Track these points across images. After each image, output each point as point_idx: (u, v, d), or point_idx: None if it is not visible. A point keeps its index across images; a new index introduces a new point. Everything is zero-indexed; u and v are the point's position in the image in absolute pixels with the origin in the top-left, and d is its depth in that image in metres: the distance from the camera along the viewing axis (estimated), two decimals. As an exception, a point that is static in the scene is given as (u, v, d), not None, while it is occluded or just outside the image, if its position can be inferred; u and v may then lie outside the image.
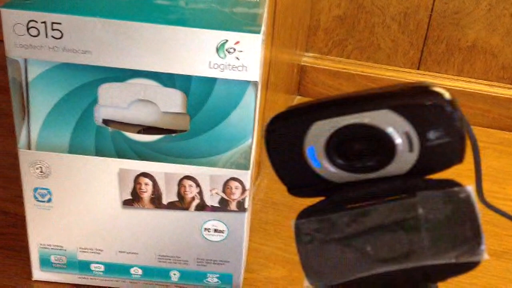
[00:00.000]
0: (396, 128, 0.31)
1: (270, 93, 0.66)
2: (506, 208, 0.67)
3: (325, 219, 0.33)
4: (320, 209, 0.33)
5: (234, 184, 0.43)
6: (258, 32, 0.39)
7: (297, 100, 0.90)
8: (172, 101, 0.42)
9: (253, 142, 0.44)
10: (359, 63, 0.89)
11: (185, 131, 0.42)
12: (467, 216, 0.31)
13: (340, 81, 0.89)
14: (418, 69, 0.88)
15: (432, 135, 0.31)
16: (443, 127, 0.31)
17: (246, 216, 0.45)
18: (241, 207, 0.44)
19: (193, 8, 0.42)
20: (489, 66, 0.85)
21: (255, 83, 0.41)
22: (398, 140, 0.31)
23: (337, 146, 0.32)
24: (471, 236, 0.31)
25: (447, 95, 0.31)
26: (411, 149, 0.31)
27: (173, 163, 0.43)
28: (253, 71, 0.40)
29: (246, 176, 0.43)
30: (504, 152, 0.80)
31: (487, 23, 0.82)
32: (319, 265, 0.34)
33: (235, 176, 0.43)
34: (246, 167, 0.43)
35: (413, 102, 0.31)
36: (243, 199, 0.44)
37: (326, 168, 0.33)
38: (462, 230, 0.31)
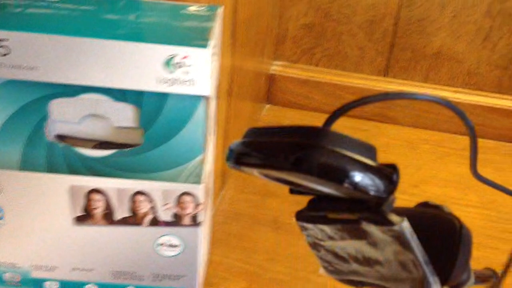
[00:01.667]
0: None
1: (235, 101, 0.66)
2: (466, 215, 0.68)
3: (306, 227, 0.34)
4: (306, 215, 0.33)
5: (187, 198, 0.43)
6: (206, 46, 0.39)
7: (267, 108, 0.91)
8: (124, 115, 0.42)
9: (208, 155, 0.44)
10: (327, 71, 0.90)
11: (138, 145, 0.42)
12: (405, 251, 0.29)
13: (308, 89, 0.89)
14: (385, 76, 0.88)
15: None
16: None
17: (201, 230, 0.45)
18: (195, 221, 0.44)
19: (143, 22, 0.41)
20: (455, 72, 0.85)
21: (206, 98, 0.41)
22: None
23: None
24: (414, 270, 0.30)
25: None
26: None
27: (126, 178, 0.42)
28: (202, 86, 0.40)
29: (199, 191, 0.43)
30: (468, 158, 0.80)
31: (451, 30, 0.82)
32: (319, 258, 0.35)
33: (188, 190, 0.43)
34: (198, 181, 0.43)
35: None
36: (197, 214, 0.44)
37: None
38: (407, 264, 0.30)
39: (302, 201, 0.68)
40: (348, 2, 0.84)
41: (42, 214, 0.44)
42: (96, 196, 0.43)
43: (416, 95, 0.28)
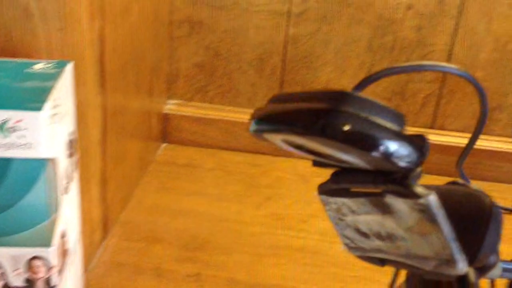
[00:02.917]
0: None
1: (115, 146, 0.65)
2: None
3: (328, 201, 0.32)
4: (328, 188, 0.32)
5: (37, 262, 0.42)
6: (41, 109, 0.38)
7: (163, 147, 0.90)
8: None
9: (62, 215, 0.43)
10: (221, 108, 0.90)
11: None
12: (432, 227, 0.27)
13: (204, 126, 0.90)
14: (278, 111, 0.90)
15: None
16: None
17: (57, 292, 0.44)
18: (48, 285, 0.43)
19: (-19, 84, 0.40)
20: (343, 105, 0.88)
21: (51, 160, 0.40)
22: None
23: None
24: (439, 247, 0.28)
25: None
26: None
27: (-31, 246, 0.41)
28: (42, 148, 0.39)
29: (49, 254, 0.42)
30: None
31: (336, 65, 0.85)
32: (340, 235, 0.33)
33: (38, 254, 0.42)
34: (48, 244, 0.42)
35: None
36: (50, 277, 0.43)
37: None
38: (432, 240, 0.28)
39: (188, 245, 0.67)
40: (236, 41, 0.85)
41: None
42: None
43: (446, 67, 0.28)
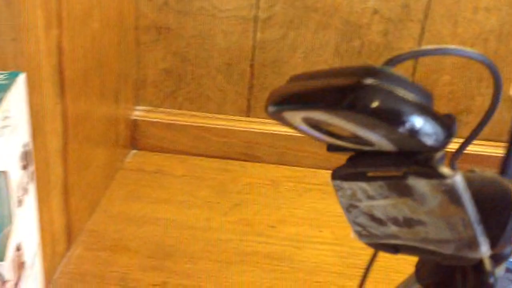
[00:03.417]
0: None
1: (78, 152, 0.64)
2: (319, 253, 0.69)
3: (342, 186, 0.31)
4: (344, 173, 0.31)
5: (-11, 277, 0.41)
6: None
7: (132, 154, 0.89)
8: None
9: (12, 230, 0.42)
10: (191, 113, 0.90)
11: None
12: (456, 209, 0.27)
13: (173, 132, 0.89)
14: (247, 116, 0.90)
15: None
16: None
17: (12, 307, 0.43)
18: (2, 300, 0.42)
19: None
20: (313, 110, 0.88)
21: (3, 173, 0.39)
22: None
23: None
24: (462, 230, 0.27)
25: None
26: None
27: None
28: (-9, 161, 0.38)
29: (3, 268, 0.41)
30: (329, 193, 0.83)
31: (305, 70, 0.85)
32: (352, 222, 0.32)
33: (-11, 269, 0.41)
34: (1, 259, 0.41)
35: None
36: (3, 292, 0.42)
37: None
38: (455, 223, 0.28)
39: (154, 253, 0.67)
40: (204, 47, 0.84)
41: None
42: None
43: (461, 51, 0.27)
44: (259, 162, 0.90)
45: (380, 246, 0.33)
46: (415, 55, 0.28)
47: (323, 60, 0.84)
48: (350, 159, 0.30)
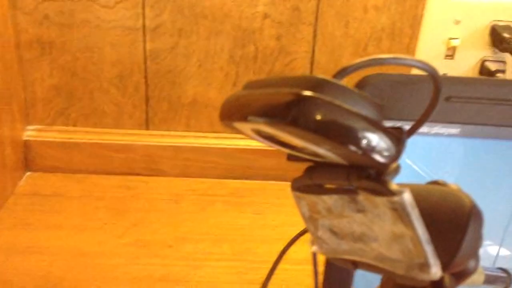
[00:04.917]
0: None
1: None
2: (217, 270, 0.65)
3: (301, 197, 0.29)
4: (302, 184, 0.29)
5: None
6: None
7: (27, 176, 0.84)
8: None
9: None
10: (86, 130, 0.85)
11: None
12: (405, 227, 0.25)
13: (68, 151, 0.85)
14: (147, 129, 0.86)
15: None
16: None
17: None
18: None
19: None
20: (214, 118, 0.86)
21: None
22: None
23: None
24: (412, 249, 0.26)
25: None
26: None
27: None
28: None
29: None
30: (233, 204, 0.80)
31: (201, 78, 0.83)
32: (313, 236, 0.30)
33: None
34: None
35: None
36: None
37: None
38: (405, 242, 0.26)
39: (40, 286, 0.62)
40: (92, 60, 0.80)
41: None
42: None
43: (405, 60, 0.25)
44: (163, 176, 0.86)
45: (340, 260, 0.31)
46: (363, 65, 0.26)
47: (218, 67, 0.82)
48: (307, 170, 0.28)
